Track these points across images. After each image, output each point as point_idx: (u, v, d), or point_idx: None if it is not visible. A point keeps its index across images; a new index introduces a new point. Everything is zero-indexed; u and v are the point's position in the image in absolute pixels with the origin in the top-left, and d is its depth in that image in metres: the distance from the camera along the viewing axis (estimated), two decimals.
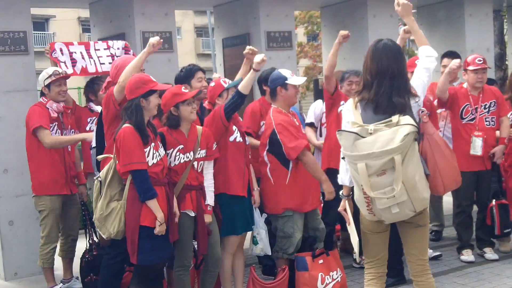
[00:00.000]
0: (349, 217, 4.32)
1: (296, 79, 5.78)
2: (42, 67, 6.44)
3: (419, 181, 3.93)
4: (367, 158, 3.83)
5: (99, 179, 4.90)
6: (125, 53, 6.74)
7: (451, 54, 7.56)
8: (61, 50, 6.49)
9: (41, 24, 37.25)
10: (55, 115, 6.17)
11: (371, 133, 3.89)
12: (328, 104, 6.46)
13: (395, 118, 3.93)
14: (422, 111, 4.30)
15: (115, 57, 6.64)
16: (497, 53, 14.97)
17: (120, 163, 4.70)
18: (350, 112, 4.15)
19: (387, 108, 4.00)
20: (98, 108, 6.70)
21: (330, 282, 5.67)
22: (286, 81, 5.71)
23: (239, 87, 5.42)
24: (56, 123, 6.20)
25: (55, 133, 6.18)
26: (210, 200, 5.24)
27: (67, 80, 6.32)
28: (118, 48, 6.76)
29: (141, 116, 4.76)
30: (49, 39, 36.35)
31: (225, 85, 5.58)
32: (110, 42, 6.87)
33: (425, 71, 4.31)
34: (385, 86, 4.03)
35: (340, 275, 5.77)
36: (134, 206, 4.71)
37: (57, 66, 6.40)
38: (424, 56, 4.34)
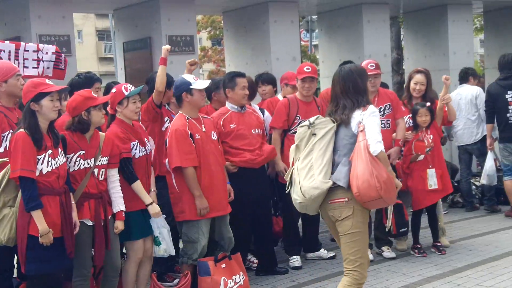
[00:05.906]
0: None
1: (200, 83, 5.82)
2: None
3: (306, 169, 4.57)
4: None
5: None
6: (56, 58, 6.50)
7: None
8: None
9: None
10: None
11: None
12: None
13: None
14: (360, 122, 4.62)
15: (41, 62, 6.41)
16: (394, 58, 15.48)
17: (11, 168, 4.55)
18: None
19: None
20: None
21: (232, 286, 5.68)
22: (191, 86, 5.73)
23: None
24: None
25: None
26: (121, 206, 5.16)
27: None
28: (46, 53, 6.47)
29: (32, 120, 4.61)
30: None
31: (126, 93, 5.46)
32: (40, 45, 6.60)
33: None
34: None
35: (243, 278, 5.79)
36: (24, 214, 4.55)
37: None
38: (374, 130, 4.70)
